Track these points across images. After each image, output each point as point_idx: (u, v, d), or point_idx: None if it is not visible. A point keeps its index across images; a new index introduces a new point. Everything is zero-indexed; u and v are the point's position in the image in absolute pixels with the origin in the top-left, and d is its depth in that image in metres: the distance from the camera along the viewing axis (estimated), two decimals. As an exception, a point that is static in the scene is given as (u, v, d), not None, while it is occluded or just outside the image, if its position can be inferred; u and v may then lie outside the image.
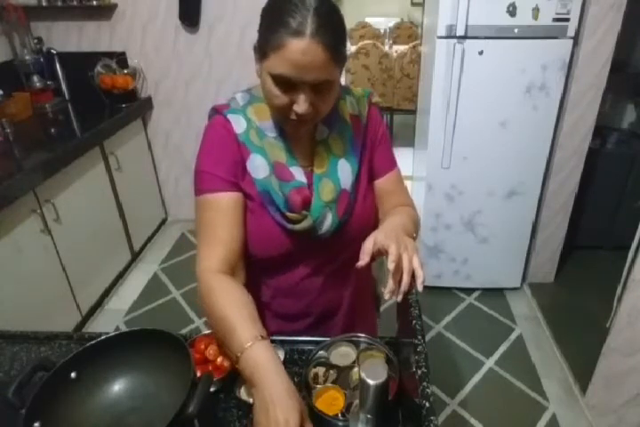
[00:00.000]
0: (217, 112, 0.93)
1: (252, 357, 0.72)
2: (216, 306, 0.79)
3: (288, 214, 0.89)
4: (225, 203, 0.88)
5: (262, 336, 0.74)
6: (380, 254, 0.81)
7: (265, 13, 0.80)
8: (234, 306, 0.79)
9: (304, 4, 0.74)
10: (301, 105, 0.79)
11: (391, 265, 0.76)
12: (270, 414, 0.65)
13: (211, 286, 0.82)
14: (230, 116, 0.90)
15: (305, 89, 0.78)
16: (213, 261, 0.85)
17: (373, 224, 0.98)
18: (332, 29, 0.75)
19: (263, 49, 0.78)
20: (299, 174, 0.91)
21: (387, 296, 0.78)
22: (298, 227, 0.90)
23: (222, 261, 0.85)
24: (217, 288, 0.82)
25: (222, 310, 0.78)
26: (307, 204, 0.90)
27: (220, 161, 0.89)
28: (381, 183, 1.01)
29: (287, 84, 0.78)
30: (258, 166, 0.89)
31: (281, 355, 0.92)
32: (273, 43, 0.75)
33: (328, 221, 0.92)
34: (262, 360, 0.71)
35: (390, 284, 0.78)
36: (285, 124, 0.88)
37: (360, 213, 0.96)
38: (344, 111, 0.95)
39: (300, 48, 0.73)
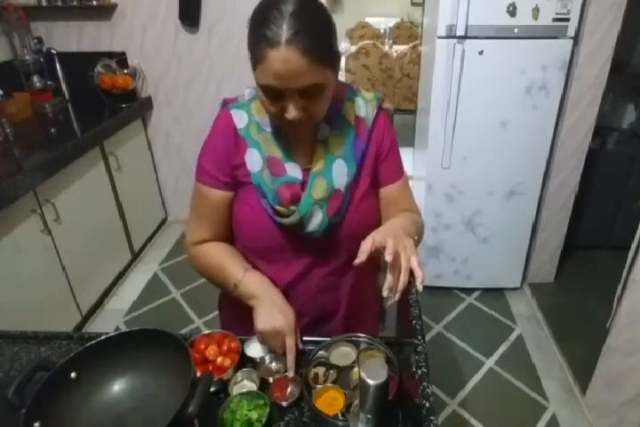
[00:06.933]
0: (225, 105, 0.97)
1: (251, 277, 0.93)
2: (207, 259, 0.99)
3: (277, 208, 0.91)
4: (214, 199, 0.97)
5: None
6: (377, 252, 0.80)
7: (249, 26, 0.81)
8: (222, 253, 0.98)
9: (280, 12, 0.74)
10: (291, 112, 0.80)
11: (389, 257, 0.76)
12: (276, 308, 0.89)
13: (198, 250, 1.00)
14: (234, 111, 0.95)
15: (293, 96, 0.79)
16: (200, 235, 1.00)
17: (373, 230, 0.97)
18: (310, 32, 0.75)
19: (251, 61, 0.81)
20: (293, 170, 0.92)
21: (385, 293, 0.78)
22: (285, 221, 0.92)
23: (208, 235, 1.00)
24: (204, 248, 1.00)
25: (213, 258, 0.98)
26: (296, 199, 0.91)
27: (219, 161, 0.95)
28: (388, 191, 1.01)
29: (275, 93, 0.79)
30: (253, 160, 0.92)
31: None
32: (256, 55, 0.77)
33: (317, 220, 0.92)
34: (262, 278, 0.94)
35: (389, 279, 0.78)
36: (283, 128, 0.90)
37: (353, 216, 0.96)
38: (349, 112, 0.95)
39: (278, 58, 0.74)
